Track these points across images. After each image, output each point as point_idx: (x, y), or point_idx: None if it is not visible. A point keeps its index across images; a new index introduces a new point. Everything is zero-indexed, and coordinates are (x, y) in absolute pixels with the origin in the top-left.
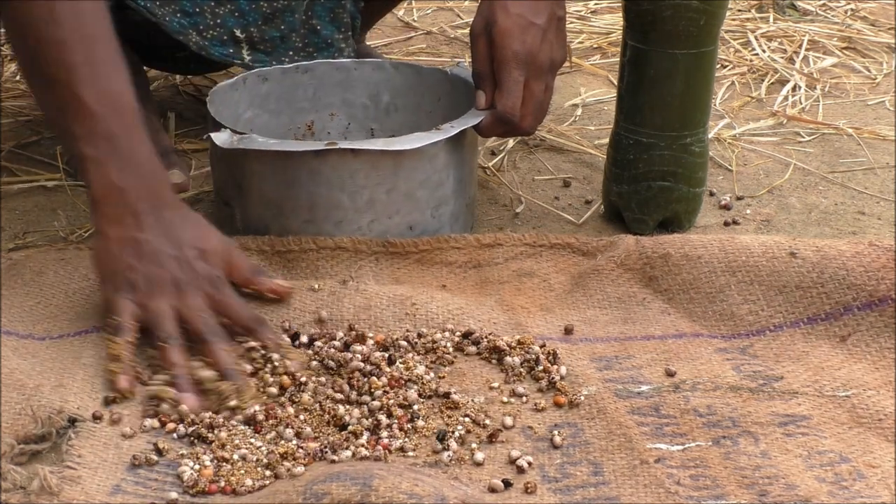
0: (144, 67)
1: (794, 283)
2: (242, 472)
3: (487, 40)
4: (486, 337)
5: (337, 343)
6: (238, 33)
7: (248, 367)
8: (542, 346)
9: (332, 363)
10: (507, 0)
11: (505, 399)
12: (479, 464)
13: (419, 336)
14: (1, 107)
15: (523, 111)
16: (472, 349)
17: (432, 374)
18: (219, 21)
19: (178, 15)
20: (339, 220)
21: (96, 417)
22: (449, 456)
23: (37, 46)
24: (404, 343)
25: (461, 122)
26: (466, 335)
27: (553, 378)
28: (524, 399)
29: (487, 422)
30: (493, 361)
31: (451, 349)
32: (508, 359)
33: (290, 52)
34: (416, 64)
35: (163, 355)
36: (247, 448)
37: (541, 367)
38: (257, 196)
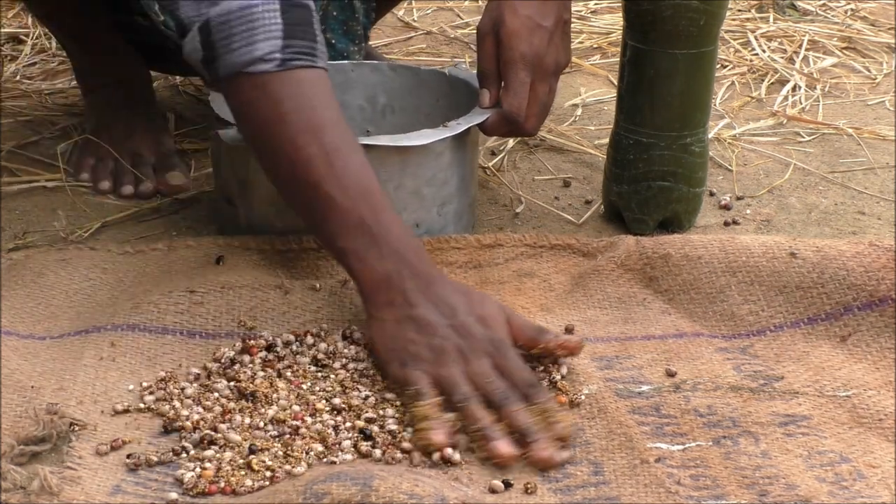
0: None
1: (794, 283)
2: (243, 472)
3: (495, 40)
4: None
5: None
6: None
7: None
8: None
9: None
10: (516, 1)
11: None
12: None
13: None
14: (1, 107)
15: (528, 112)
16: None
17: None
18: None
19: None
20: None
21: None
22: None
23: (271, 149)
24: None
25: (467, 120)
26: None
27: (553, 378)
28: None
29: None
30: None
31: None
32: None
33: None
34: (414, 66)
35: (466, 414)
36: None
37: (541, 367)
38: (262, 193)
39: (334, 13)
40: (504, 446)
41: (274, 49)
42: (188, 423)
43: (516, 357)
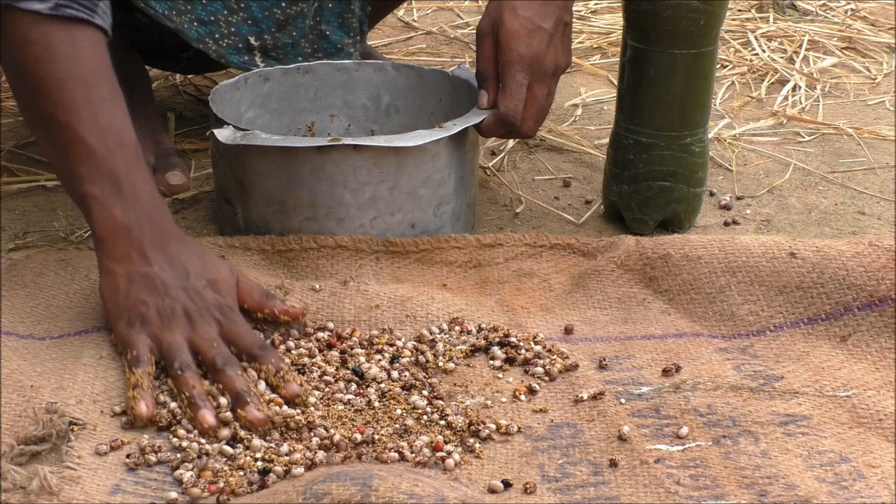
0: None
1: (794, 283)
2: (241, 473)
3: (494, 41)
4: (487, 337)
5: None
6: (252, 41)
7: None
8: (543, 347)
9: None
10: (516, 1)
11: (505, 399)
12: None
13: (421, 337)
14: (1, 107)
15: (525, 114)
16: (473, 349)
17: (432, 375)
18: (233, 29)
19: (195, 24)
20: (342, 218)
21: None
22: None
23: (35, 86)
24: (411, 344)
25: (463, 121)
26: (464, 333)
27: (554, 378)
28: (524, 399)
29: (487, 421)
30: (494, 361)
31: (452, 349)
32: (498, 352)
33: (300, 59)
34: (418, 65)
35: (179, 384)
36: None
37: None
38: (259, 193)
39: (330, 5)
40: (206, 415)
41: None
42: (187, 426)
43: (243, 321)
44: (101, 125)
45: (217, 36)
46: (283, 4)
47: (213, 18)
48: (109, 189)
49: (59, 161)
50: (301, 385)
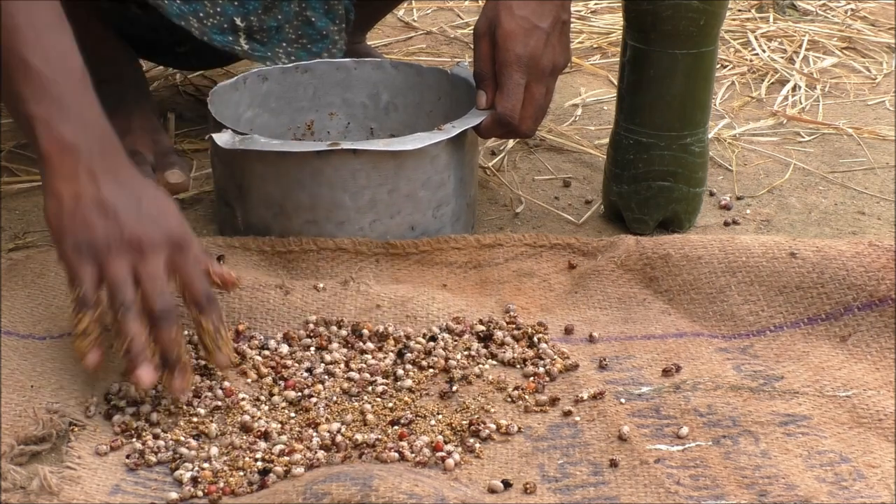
0: (143, 68)
1: (794, 283)
2: (241, 473)
3: (491, 41)
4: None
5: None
6: (238, 21)
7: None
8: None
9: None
10: (513, 1)
11: (505, 399)
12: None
13: (422, 337)
14: (1, 107)
15: (523, 114)
16: (475, 350)
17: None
18: (218, 9)
19: (178, 1)
20: (341, 221)
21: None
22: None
23: None
24: (412, 344)
25: (462, 123)
26: (462, 334)
27: (554, 378)
28: (525, 399)
29: (487, 421)
30: (494, 361)
31: (452, 350)
32: (499, 352)
33: (284, 44)
34: (416, 63)
35: (118, 326)
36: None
37: (542, 368)
38: (258, 196)
39: None
40: (143, 375)
41: None
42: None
43: (197, 262)
44: (45, 48)
45: (201, 14)
46: None
47: None
48: (56, 111)
49: (5, 85)
50: (230, 359)
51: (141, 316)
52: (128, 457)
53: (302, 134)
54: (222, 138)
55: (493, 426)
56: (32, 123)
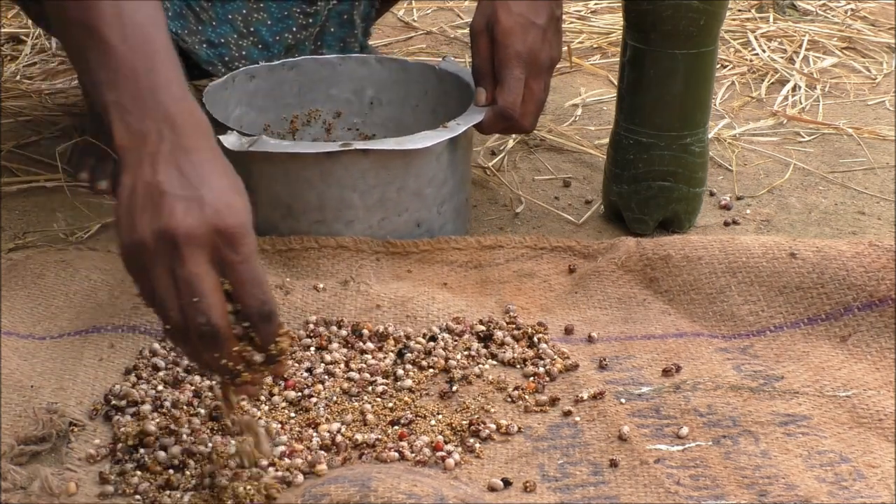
0: None
1: (794, 283)
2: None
3: (489, 38)
4: (487, 334)
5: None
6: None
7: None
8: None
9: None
10: (509, 0)
11: (505, 399)
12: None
13: (422, 336)
14: (1, 107)
15: (524, 109)
16: (475, 350)
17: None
18: (243, 52)
19: (205, 45)
20: (350, 220)
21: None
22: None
23: None
24: (412, 344)
25: (466, 120)
26: (462, 334)
27: (554, 378)
28: (525, 399)
29: (487, 421)
30: (494, 361)
31: (452, 350)
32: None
33: None
34: (402, 58)
35: (178, 346)
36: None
37: (542, 368)
38: (266, 197)
39: (332, 29)
40: (249, 390)
41: None
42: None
43: (256, 262)
44: (123, 22)
45: (227, 59)
46: (294, 29)
47: (222, 41)
48: (129, 93)
49: (82, 69)
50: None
51: (182, 347)
52: (126, 460)
53: (287, 130)
54: (229, 140)
55: (493, 426)
56: (107, 111)
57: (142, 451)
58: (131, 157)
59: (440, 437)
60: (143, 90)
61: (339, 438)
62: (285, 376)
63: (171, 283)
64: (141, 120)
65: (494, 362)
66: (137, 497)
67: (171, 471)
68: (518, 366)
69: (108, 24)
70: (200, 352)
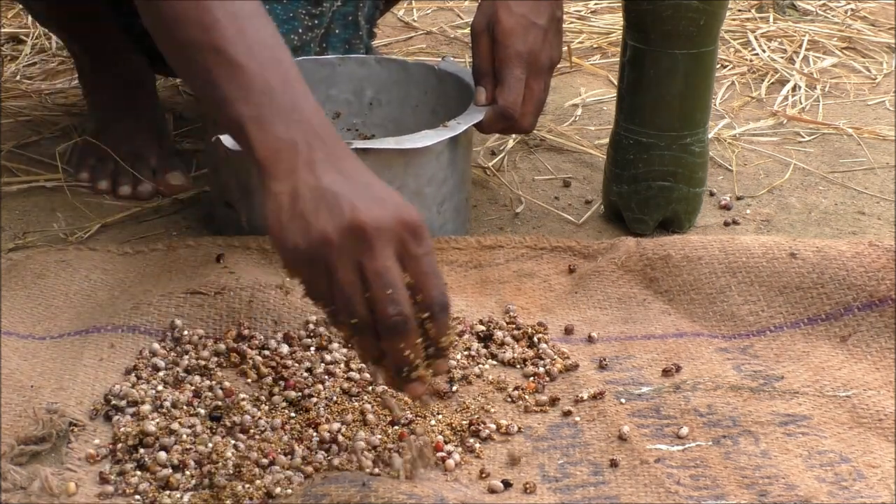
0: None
1: (794, 283)
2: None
3: (489, 38)
4: (487, 334)
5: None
6: None
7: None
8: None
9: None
10: (510, 0)
11: (505, 399)
12: (479, 462)
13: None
14: (1, 107)
15: (524, 109)
16: (475, 350)
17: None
18: None
19: None
20: None
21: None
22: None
23: (172, 15)
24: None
25: (466, 119)
26: (462, 334)
27: (554, 378)
28: (525, 399)
29: (487, 421)
30: (494, 361)
31: (452, 350)
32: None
33: None
34: (402, 59)
35: (356, 344)
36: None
37: (542, 368)
38: None
39: (337, 31)
40: (417, 387)
41: None
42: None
43: (433, 255)
44: (248, 40)
45: None
46: (300, 31)
47: None
48: (268, 106)
49: (206, 88)
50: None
51: (375, 337)
52: (125, 461)
53: None
54: (230, 140)
55: (493, 426)
56: (243, 124)
57: (142, 451)
58: (281, 166)
59: (440, 438)
60: (284, 103)
61: (339, 438)
62: (285, 376)
63: (358, 277)
64: (286, 131)
65: (494, 362)
66: (137, 497)
67: (170, 471)
68: (518, 366)
69: (233, 42)
70: (385, 345)
